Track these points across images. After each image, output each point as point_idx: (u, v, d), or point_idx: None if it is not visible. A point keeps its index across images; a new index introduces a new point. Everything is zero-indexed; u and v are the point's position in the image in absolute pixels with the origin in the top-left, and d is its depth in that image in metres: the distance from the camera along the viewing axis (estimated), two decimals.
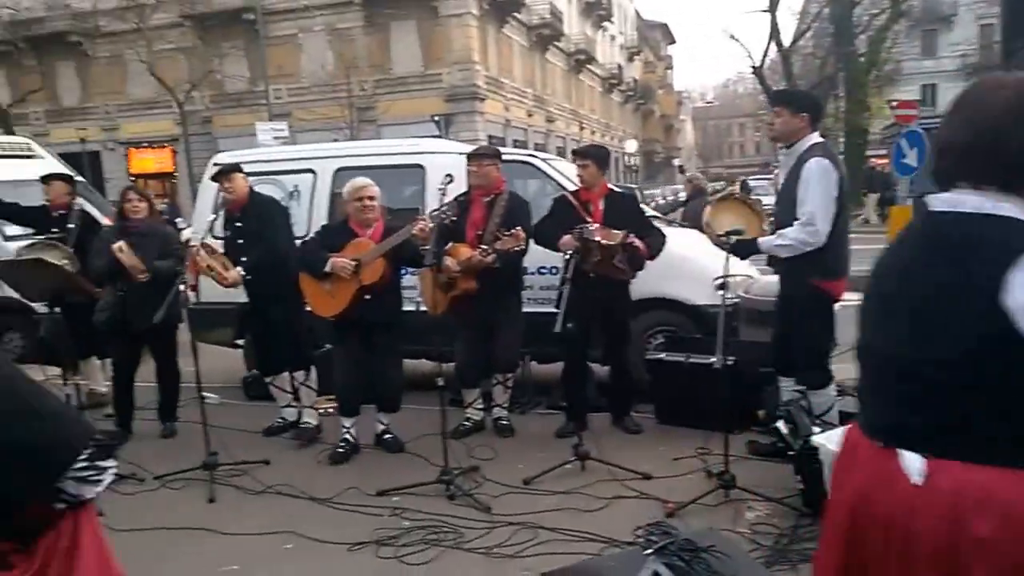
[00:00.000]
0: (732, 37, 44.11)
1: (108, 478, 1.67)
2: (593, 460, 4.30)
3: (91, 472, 1.64)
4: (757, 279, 5.59)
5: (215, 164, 6.68)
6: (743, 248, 4.11)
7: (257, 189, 5.40)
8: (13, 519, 1.57)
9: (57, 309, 5.06)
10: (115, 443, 1.72)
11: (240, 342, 6.51)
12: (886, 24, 24.39)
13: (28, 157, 9.78)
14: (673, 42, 77.77)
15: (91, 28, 28.65)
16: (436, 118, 20.88)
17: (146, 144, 29.57)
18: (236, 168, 5.15)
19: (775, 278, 4.48)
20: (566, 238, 4.58)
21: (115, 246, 4.95)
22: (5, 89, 27.24)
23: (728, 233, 4.03)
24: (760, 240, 4.12)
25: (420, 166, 6.14)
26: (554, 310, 4.22)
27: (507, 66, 31.47)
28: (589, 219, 4.73)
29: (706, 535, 2.39)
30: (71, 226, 5.58)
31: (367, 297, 4.59)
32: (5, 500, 1.54)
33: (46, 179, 6.14)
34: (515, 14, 31.26)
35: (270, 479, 4.46)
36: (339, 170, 6.26)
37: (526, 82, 33.94)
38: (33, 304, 6.27)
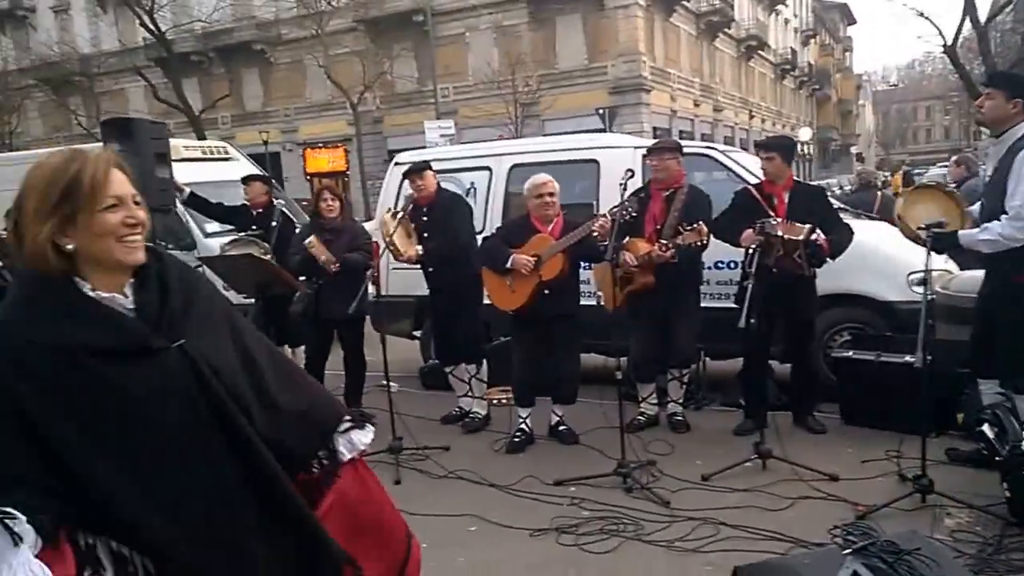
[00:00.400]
0: (920, 15, 40.39)
1: (369, 437, 1.90)
2: (775, 459, 4.27)
3: (356, 431, 1.88)
4: (956, 275, 5.28)
5: (397, 163, 7.19)
6: (942, 241, 3.93)
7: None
8: (298, 478, 1.80)
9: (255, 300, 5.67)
10: (371, 413, 1.95)
11: (417, 334, 6.98)
12: None
13: (225, 160, 10.88)
14: (853, 23, 73.07)
15: (274, 36, 31.17)
16: (600, 111, 20.97)
17: (321, 144, 31.74)
18: (427, 166, 5.53)
19: (976, 273, 4.24)
20: (747, 233, 4.55)
21: (306, 241, 5.47)
22: (197, 96, 30.12)
23: (929, 226, 3.87)
24: (961, 233, 3.92)
25: (594, 161, 6.29)
26: (731, 305, 4.22)
27: (674, 56, 30.98)
28: (772, 213, 4.68)
29: (910, 538, 2.36)
30: (274, 223, 6.21)
31: (546, 292, 4.79)
32: (291, 459, 1.78)
33: (246, 180, 6.85)
34: (683, 2, 30.70)
35: (451, 464, 4.77)
36: (514, 167, 6.53)
37: (693, 71, 33.24)
38: (233, 296, 7.01)
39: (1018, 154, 3.73)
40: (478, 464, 4.75)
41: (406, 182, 6.99)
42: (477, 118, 25.38)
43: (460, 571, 3.54)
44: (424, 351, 6.99)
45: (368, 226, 7.53)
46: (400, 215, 5.40)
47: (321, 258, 5.38)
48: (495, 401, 5.84)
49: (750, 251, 4.48)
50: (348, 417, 1.87)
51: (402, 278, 6.30)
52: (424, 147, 13.31)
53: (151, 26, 25.55)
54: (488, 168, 6.73)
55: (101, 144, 7.49)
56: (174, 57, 27.24)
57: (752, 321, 4.06)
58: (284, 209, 6.58)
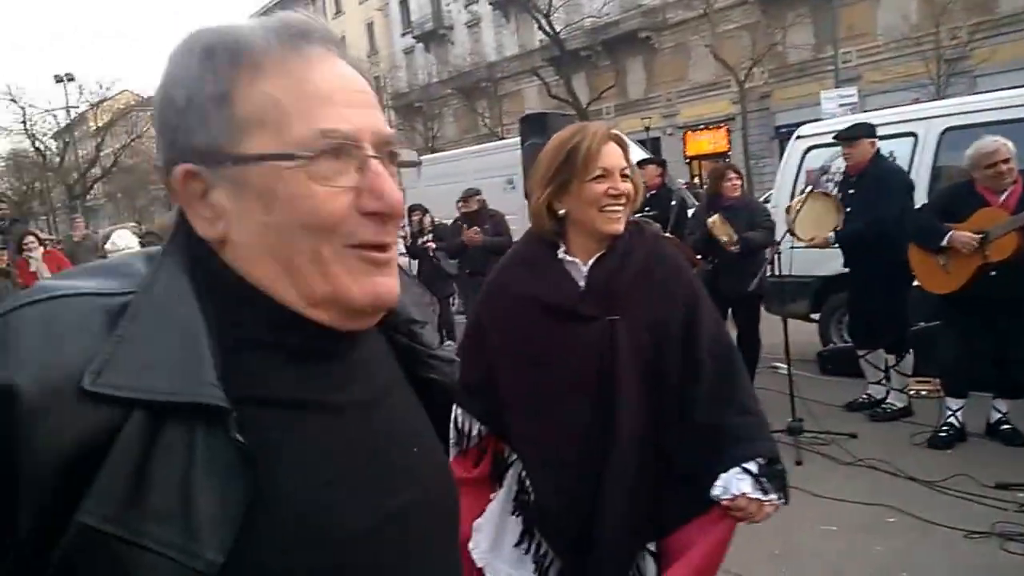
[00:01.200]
0: None
1: (752, 494, 1.70)
2: None
3: (747, 480, 1.71)
4: None
5: (799, 137, 7.02)
6: None
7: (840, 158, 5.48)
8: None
9: None
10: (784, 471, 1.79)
11: (815, 316, 6.73)
12: None
13: None
14: None
15: (659, 22, 31.95)
16: None
17: (702, 126, 31.81)
18: (863, 132, 5.18)
19: None
20: None
21: (709, 220, 5.59)
22: (584, 89, 32.15)
23: None
24: None
25: None
26: None
27: None
28: None
29: None
30: (673, 203, 6.51)
31: (992, 273, 4.29)
32: (682, 468, 1.78)
33: (642, 163, 7.24)
34: None
35: (859, 452, 4.59)
36: (947, 130, 5.89)
37: None
38: None
39: None
40: (892, 455, 4.50)
41: (807, 156, 6.84)
42: (885, 82, 23.18)
43: (877, 560, 3.44)
44: (823, 334, 6.73)
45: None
46: (804, 196, 5.24)
47: (722, 239, 5.47)
48: (914, 392, 5.42)
49: None
50: (762, 461, 1.73)
51: (802, 257, 6.13)
52: (819, 119, 12.65)
53: (547, 28, 28.04)
54: (913, 134, 6.12)
55: (516, 140, 8.55)
56: (566, 54, 29.57)
57: None
58: (683, 191, 6.84)
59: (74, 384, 0.65)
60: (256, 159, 0.73)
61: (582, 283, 1.82)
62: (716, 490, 1.71)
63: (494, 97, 36.20)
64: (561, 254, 1.85)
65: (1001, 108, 5.73)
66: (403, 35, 43.93)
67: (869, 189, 5.03)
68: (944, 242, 4.40)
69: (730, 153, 30.62)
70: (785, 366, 5.27)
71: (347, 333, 0.79)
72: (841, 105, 17.78)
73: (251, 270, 0.76)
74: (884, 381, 5.36)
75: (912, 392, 5.41)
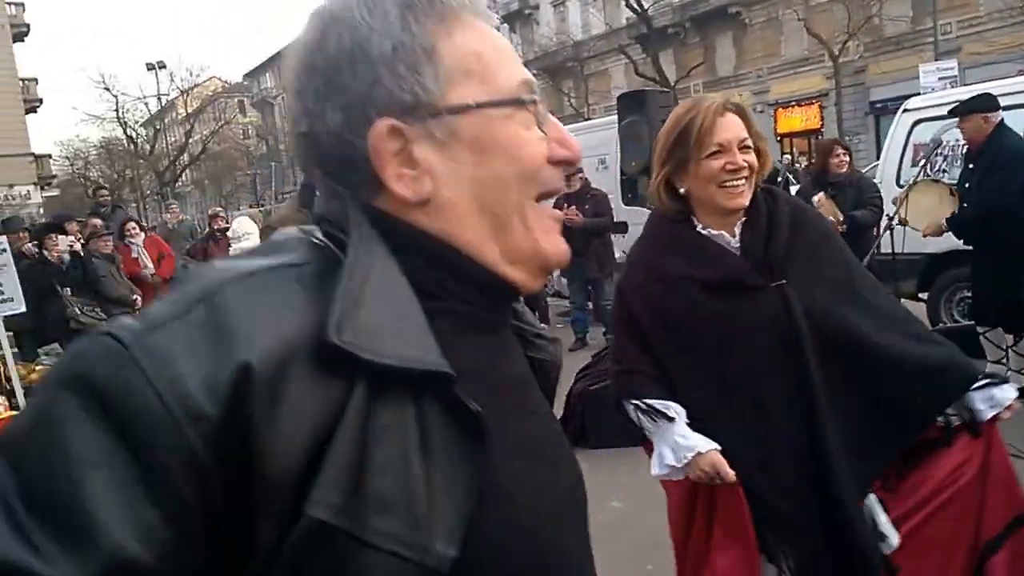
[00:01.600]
0: None
1: (1013, 393, 1.78)
2: None
3: (995, 388, 1.79)
4: None
5: (906, 110, 6.75)
6: None
7: (952, 130, 5.26)
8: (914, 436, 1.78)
9: None
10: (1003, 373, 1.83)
11: (923, 295, 6.50)
12: None
13: None
14: None
15: None
16: None
17: (793, 103, 30.73)
18: (975, 106, 4.89)
19: None
20: None
21: (815, 198, 5.46)
22: (672, 67, 31.44)
23: None
24: None
25: None
26: None
27: None
28: None
29: None
30: (779, 180, 6.40)
31: None
32: (916, 415, 1.77)
33: None
34: None
35: None
36: None
37: None
38: None
39: None
40: (1012, 438, 4.25)
41: (914, 131, 6.58)
42: (987, 54, 21.88)
43: None
44: (932, 314, 6.49)
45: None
46: (907, 189, 5.07)
47: (826, 213, 5.35)
48: None
49: None
50: (982, 375, 1.79)
51: (911, 234, 5.91)
52: (917, 94, 12.09)
53: (635, 5, 27.54)
54: None
55: (608, 119, 8.49)
56: (653, 32, 28.96)
57: None
58: (784, 169, 6.70)
59: (299, 356, 0.58)
60: (483, 106, 0.69)
61: (734, 253, 1.78)
62: (988, 412, 1.75)
63: (580, 77, 35.82)
64: (701, 229, 1.79)
65: None
66: None
67: (984, 166, 4.83)
68: None
69: (823, 130, 29.54)
70: None
71: (510, 303, 0.77)
72: (940, 79, 16.93)
73: (457, 230, 0.69)
74: (1004, 361, 5.17)
75: None
